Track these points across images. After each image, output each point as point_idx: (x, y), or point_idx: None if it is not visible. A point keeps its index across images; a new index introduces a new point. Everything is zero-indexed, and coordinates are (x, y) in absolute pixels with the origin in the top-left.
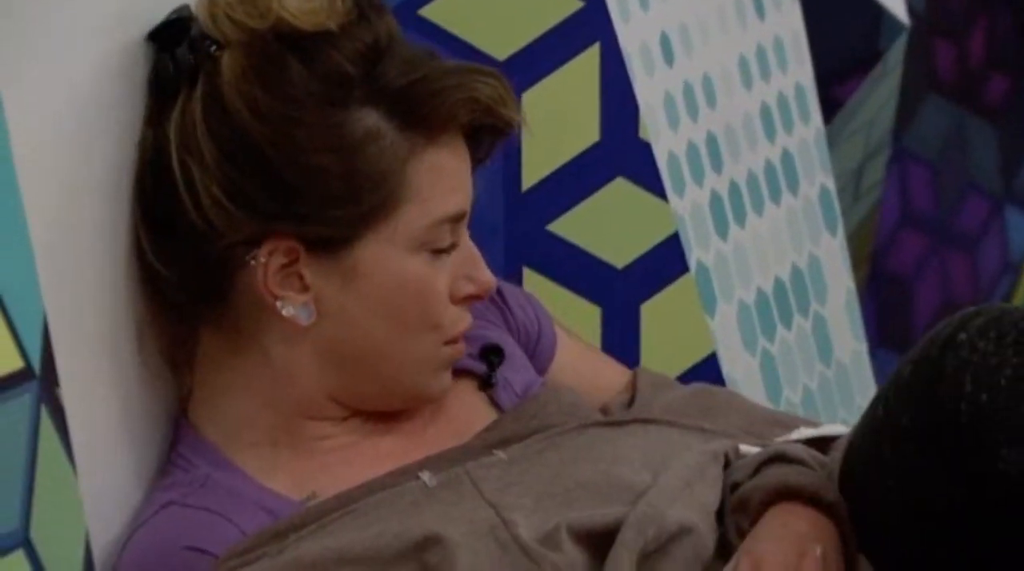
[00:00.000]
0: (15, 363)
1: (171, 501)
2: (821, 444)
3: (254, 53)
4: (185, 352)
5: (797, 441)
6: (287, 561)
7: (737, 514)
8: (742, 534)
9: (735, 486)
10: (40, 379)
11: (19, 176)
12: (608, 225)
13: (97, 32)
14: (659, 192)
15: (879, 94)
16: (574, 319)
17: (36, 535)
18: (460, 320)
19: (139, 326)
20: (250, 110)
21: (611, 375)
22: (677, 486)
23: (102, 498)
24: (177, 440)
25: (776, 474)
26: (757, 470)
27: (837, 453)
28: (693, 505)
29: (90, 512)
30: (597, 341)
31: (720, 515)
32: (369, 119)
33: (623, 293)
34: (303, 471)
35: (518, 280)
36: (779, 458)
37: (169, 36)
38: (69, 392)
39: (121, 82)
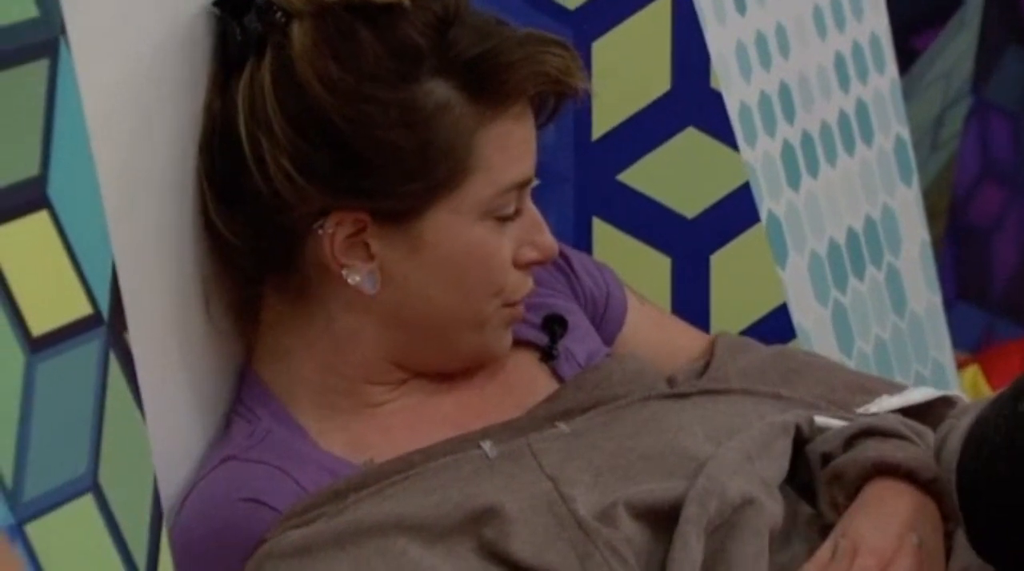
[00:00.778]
0: (84, 309)
1: (230, 456)
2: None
3: (325, 25)
4: (251, 312)
5: (885, 412)
6: (347, 522)
7: (832, 487)
8: (837, 507)
9: (826, 457)
10: (108, 325)
11: (91, 134)
12: (679, 175)
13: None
14: (730, 142)
15: (958, 44)
16: (644, 269)
17: (105, 479)
18: (522, 285)
19: (206, 285)
20: (322, 84)
21: (686, 342)
22: (737, 459)
23: (166, 452)
24: (242, 389)
25: (873, 448)
26: (849, 442)
27: (957, 422)
28: (753, 479)
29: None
30: (667, 292)
31: (792, 486)
32: (439, 91)
33: (693, 243)
34: (362, 434)
35: (587, 230)
36: (873, 432)
37: (235, 4)
38: (136, 349)
39: (191, 47)
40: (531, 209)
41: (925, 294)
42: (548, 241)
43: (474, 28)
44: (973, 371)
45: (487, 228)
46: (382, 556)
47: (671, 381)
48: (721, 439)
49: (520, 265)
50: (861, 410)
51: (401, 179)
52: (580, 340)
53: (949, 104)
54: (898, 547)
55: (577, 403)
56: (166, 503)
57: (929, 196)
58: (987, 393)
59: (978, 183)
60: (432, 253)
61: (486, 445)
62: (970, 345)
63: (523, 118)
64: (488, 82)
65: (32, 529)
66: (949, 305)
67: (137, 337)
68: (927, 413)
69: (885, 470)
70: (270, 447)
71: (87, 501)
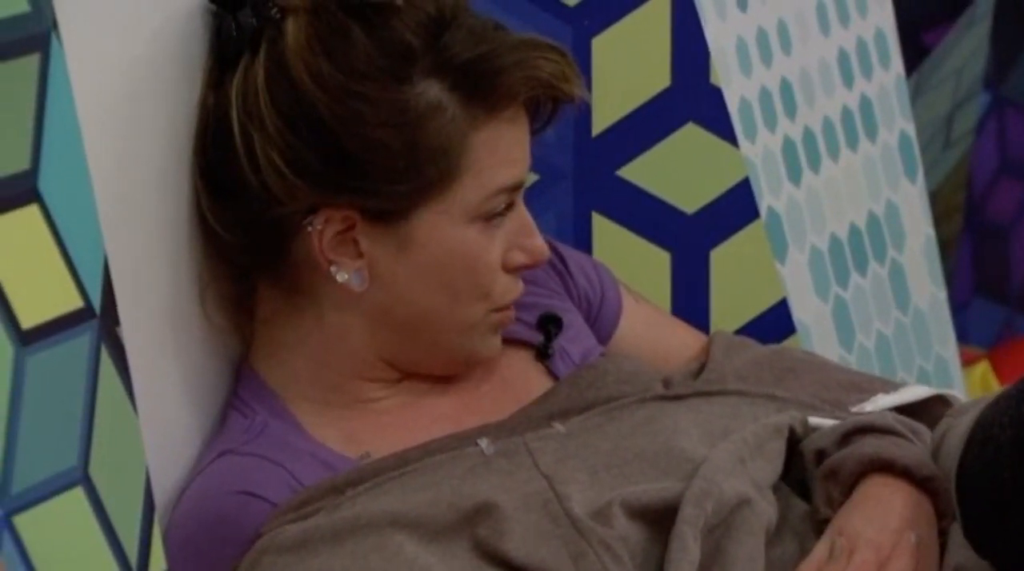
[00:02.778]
0: (75, 302)
1: (227, 450)
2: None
3: (318, 22)
4: (245, 308)
5: (881, 410)
6: (344, 518)
7: (828, 482)
8: (832, 503)
9: (820, 453)
10: (100, 318)
11: (85, 129)
12: (678, 170)
13: None
14: (730, 137)
15: (969, 41)
16: (643, 265)
17: (96, 472)
18: (511, 289)
19: (201, 280)
20: (313, 80)
21: (682, 341)
22: (730, 461)
23: (161, 446)
24: (239, 383)
25: (869, 444)
26: (844, 439)
27: (955, 421)
28: (746, 481)
29: (148, 461)
30: (667, 287)
31: (786, 483)
32: (432, 92)
33: (693, 239)
34: (356, 431)
35: (587, 225)
36: (869, 428)
37: None
38: (130, 346)
39: (184, 42)
40: (522, 212)
41: (929, 289)
42: (538, 245)
43: (470, 31)
44: (983, 367)
45: (476, 230)
46: (379, 553)
47: (667, 382)
48: (716, 441)
49: (509, 269)
50: (856, 409)
51: (390, 179)
52: (575, 339)
53: (961, 100)
54: (896, 543)
55: (572, 402)
56: (160, 497)
57: (943, 193)
58: (997, 389)
59: (996, 180)
60: (420, 253)
61: (483, 443)
62: (988, 341)
63: (516, 122)
64: (481, 85)
65: (21, 521)
66: (966, 301)
67: (132, 331)
68: (922, 411)
69: (881, 467)
70: (267, 441)
71: (77, 493)
